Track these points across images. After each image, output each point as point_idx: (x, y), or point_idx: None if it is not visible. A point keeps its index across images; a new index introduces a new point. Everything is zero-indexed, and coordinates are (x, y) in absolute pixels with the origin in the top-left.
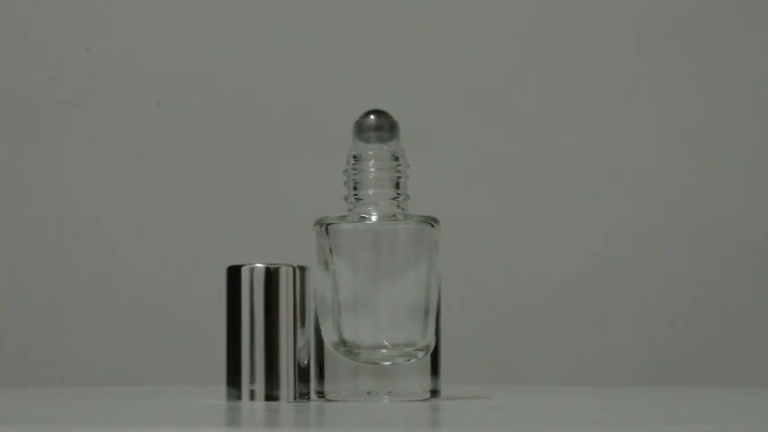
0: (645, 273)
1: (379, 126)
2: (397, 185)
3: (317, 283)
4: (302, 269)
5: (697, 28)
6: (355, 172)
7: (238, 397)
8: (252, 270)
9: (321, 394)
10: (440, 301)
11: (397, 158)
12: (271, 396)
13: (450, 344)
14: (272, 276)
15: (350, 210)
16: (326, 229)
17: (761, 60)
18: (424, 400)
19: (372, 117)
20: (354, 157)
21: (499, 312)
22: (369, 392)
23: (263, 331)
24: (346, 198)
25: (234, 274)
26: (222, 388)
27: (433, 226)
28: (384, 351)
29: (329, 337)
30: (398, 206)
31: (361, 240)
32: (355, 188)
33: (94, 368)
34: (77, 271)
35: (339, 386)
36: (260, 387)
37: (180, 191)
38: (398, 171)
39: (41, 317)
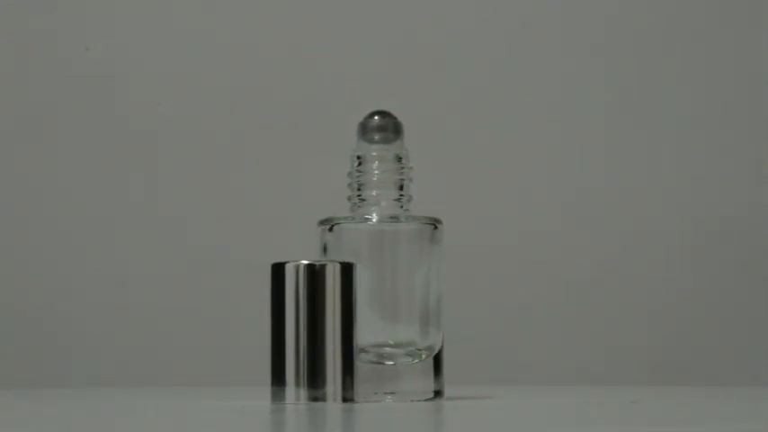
0: (646, 273)
1: (384, 127)
2: (401, 187)
3: None
4: (353, 266)
5: (698, 28)
6: (359, 173)
7: (283, 398)
8: (297, 267)
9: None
10: (442, 302)
11: (400, 159)
12: (316, 397)
13: (453, 344)
14: (316, 274)
15: (353, 210)
16: (330, 229)
17: (762, 60)
18: (427, 400)
19: (377, 118)
20: (358, 158)
21: (501, 313)
22: (375, 393)
23: (307, 330)
24: (350, 199)
25: (278, 271)
26: (265, 389)
27: (435, 227)
28: (387, 349)
29: None
30: (401, 207)
31: (364, 241)
32: (359, 189)
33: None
34: (84, 273)
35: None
36: (304, 388)
37: (179, 191)
38: (402, 172)
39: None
